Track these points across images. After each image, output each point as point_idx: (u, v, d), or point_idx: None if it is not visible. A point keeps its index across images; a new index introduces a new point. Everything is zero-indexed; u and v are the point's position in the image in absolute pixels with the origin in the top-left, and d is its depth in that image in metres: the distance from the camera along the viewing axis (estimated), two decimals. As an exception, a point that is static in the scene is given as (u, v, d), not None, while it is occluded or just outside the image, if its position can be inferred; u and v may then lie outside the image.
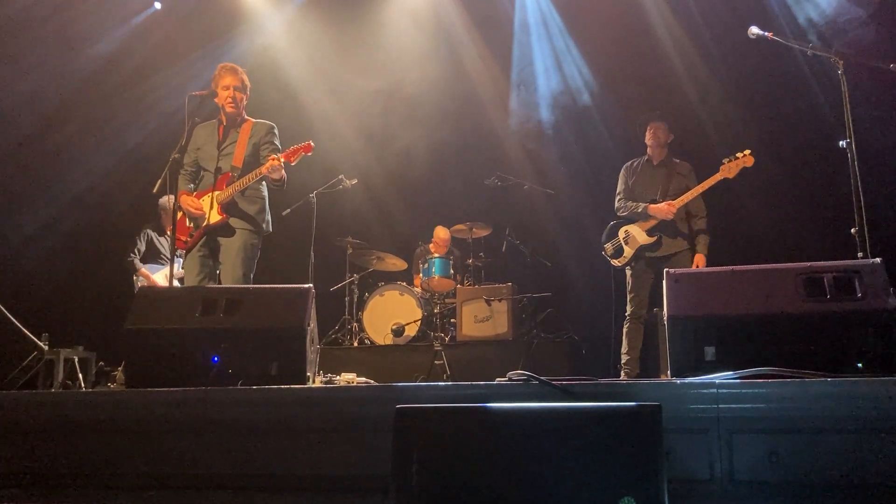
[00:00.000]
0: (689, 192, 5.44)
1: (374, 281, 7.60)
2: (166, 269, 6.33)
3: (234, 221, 4.60)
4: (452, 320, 7.07)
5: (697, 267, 5.43)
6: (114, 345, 5.69)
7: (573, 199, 7.71)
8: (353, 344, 7.17)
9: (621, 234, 5.65)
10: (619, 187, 5.83)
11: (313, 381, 3.43)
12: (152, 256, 6.77)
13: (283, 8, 8.46)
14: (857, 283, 2.81)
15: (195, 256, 4.63)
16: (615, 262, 5.68)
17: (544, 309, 7.09)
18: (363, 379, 4.87)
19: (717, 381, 2.41)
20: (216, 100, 4.69)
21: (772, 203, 6.84)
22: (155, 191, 4.51)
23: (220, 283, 4.78)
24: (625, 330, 5.59)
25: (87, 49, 7.54)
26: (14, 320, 5.36)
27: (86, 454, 2.77)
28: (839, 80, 4.27)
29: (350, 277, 7.53)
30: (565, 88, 8.10)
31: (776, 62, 6.55)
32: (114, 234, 7.30)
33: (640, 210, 5.57)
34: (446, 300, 7.17)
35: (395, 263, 7.79)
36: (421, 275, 7.38)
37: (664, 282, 3.07)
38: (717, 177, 5.35)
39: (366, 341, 7.17)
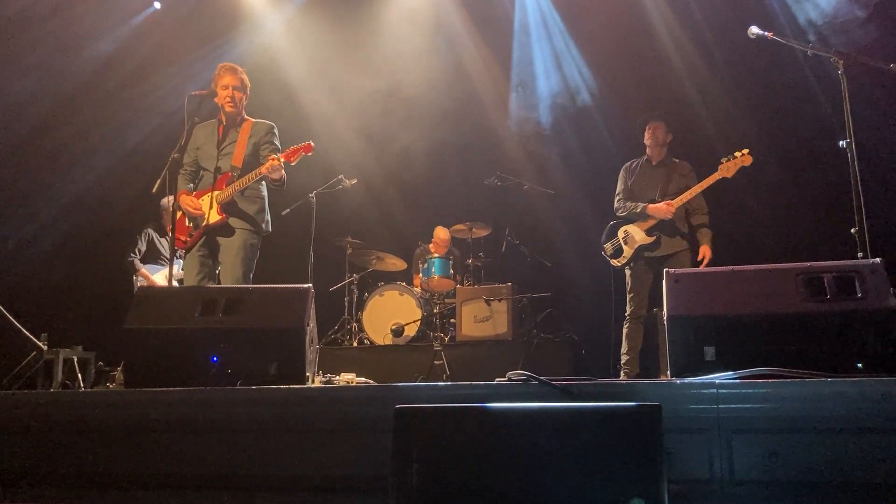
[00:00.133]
0: (688, 192, 5.45)
1: (374, 281, 7.60)
2: (166, 270, 6.33)
3: (233, 221, 4.60)
4: (452, 320, 7.07)
5: (705, 258, 5.44)
6: (113, 345, 5.68)
7: (573, 199, 7.71)
8: (352, 344, 7.17)
9: (620, 234, 5.65)
10: (619, 188, 5.83)
11: (312, 381, 3.43)
12: (153, 257, 6.77)
13: (283, 8, 8.46)
14: (857, 283, 2.81)
15: (195, 256, 4.63)
16: (615, 263, 5.69)
17: (544, 309, 7.08)
18: (362, 379, 4.86)
19: (716, 381, 2.41)
20: (216, 99, 4.69)
21: (772, 203, 6.84)
22: (154, 191, 4.51)
23: (219, 282, 4.78)
24: (624, 330, 5.59)
25: (86, 49, 7.54)
26: (13, 320, 5.35)
27: (85, 454, 2.76)
28: (839, 79, 4.27)
29: (349, 277, 7.53)
30: (565, 88, 8.10)
31: (776, 62, 6.55)
32: (113, 235, 7.30)
33: (638, 210, 5.58)
34: (446, 300, 7.17)
35: (395, 263, 7.79)
36: (420, 275, 7.37)
37: (664, 282, 3.07)
38: (716, 176, 5.36)
39: (365, 341, 7.16)
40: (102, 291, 7.20)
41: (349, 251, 7.61)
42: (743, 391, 2.36)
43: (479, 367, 6.35)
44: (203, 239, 4.63)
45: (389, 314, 7.10)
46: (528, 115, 8.28)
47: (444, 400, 2.56)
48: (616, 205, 5.79)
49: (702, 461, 2.30)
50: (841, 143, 4.18)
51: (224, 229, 4.60)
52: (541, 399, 2.41)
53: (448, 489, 2.15)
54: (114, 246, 6.95)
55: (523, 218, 7.71)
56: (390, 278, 7.62)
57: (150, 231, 6.82)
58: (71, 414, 2.84)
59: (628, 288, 5.63)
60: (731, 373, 2.59)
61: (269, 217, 4.79)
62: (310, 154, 4.68)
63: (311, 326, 3.37)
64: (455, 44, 8.30)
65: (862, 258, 3.87)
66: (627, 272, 5.64)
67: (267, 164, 4.49)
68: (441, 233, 7.79)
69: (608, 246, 5.71)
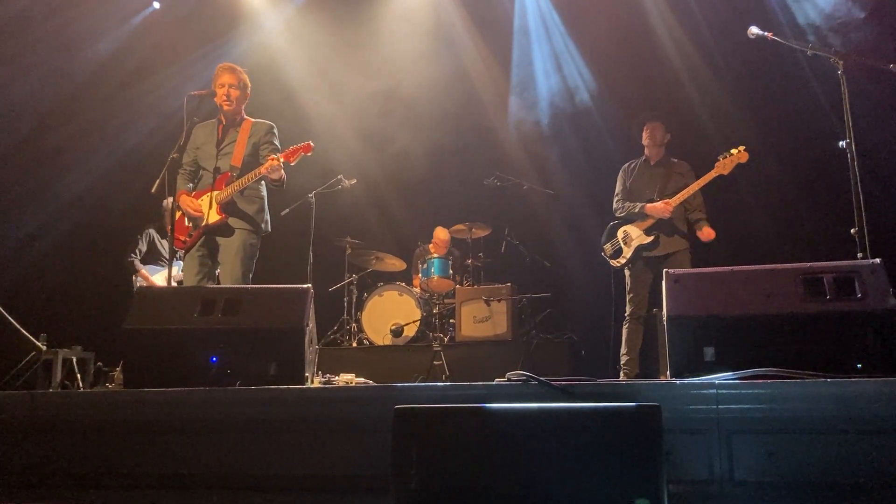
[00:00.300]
0: (686, 190, 5.45)
1: (373, 281, 7.60)
2: (166, 271, 6.33)
3: (233, 221, 4.60)
4: (451, 321, 7.06)
5: (709, 238, 5.42)
6: (112, 345, 5.67)
7: (573, 199, 7.71)
8: (351, 344, 7.16)
9: (620, 234, 5.65)
10: (617, 188, 5.84)
11: (312, 382, 3.42)
12: (153, 257, 6.77)
13: (283, 8, 8.45)
14: (856, 284, 2.81)
15: (194, 256, 4.63)
16: (614, 263, 5.69)
17: (544, 309, 7.08)
18: (362, 379, 4.86)
19: (716, 382, 2.41)
20: (215, 99, 4.69)
21: (772, 203, 6.84)
22: (153, 191, 4.50)
23: (219, 283, 4.78)
24: (624, 330, 5.59)
25: (85, 49, 7.54)
26: (12, 320, 5.35)
27: (84, 454, 2.76)
28: (839, 80, 4.27)
29: (349, 278, 7.53)
30: (565, 88, 8.09)
31: (776, 62, 6.55)
32: (112, 235, 7.30)
33: (637, 210, 5.58)
34: (445, 300, 7.16)
35: (394, 264, 7.78)
36: (420, 275, 7.37)
37: (663, 282, 3.07)
38: (713, 174, 5.37)
39: (364, 342, 7.16)
40: (102, 291, 7.20)
41: (348, 251, 7.60)
42: (743, 392, 2.35)
43: (478, 367, 6.35)
44: (202, 239, 4.62)
45: (389, 314, 7.10)
46: (527, 115, 8.27)
47: (444, 400, 2.55)
48: (615, 205, 5.80)
49: (701, 462, 2.30)
50: (841, 143, 4.18)
51: (223, 229, 4.59)
52: (540, 399, 2.41)
53: (447, 489, 2.15)
54: (113, 246, 6.94)
55: (523, 218, 7.71)
56: (390, 279, 7.62)
57: (152, 232, 6.81)
58: (70, 414, 2.84)
59: (628, 288, 5.63)
60: (731, 373, 2.58)
61: (268, 217, 4.78)
62: (309, 154, 4.67)
63: (311, 327, 3.37)
64: (455, 44, 8.30)
65: (862, 258, 3.88)
66: (627, 272, 5.64)
67: (266, 164, 4.49)
68: (441, 233, 7.79)
69: (608, 247, 5.71)
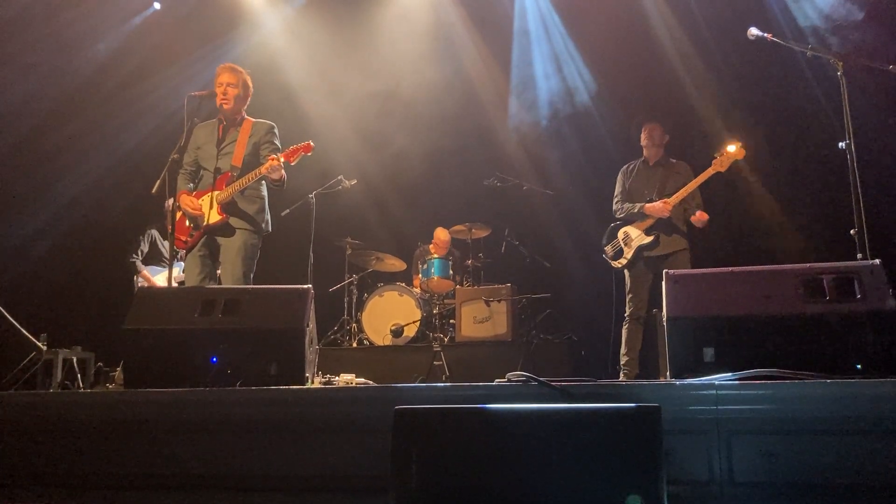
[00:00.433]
0: (684, 189, 5.46)
1: (374, 281, 7.60)
2: (167, 272, 6.34)
3: (233, 221, 4.60)
4: (452, 321, 7.07)
5: (702, 220, 5.39)
6: (113, 345, 5.68)
7: (572, 199, 7.71)
8: (352, 345, 7.16)
9: (620, 235, 5.66)
10: (617, 190, 5.86)
11: (312, 382, 3.42)
12: (155, 258, 6.77)
13: (283, 9, 8.45)
14: (856, 285, 2.81)
15: (195, 256, 4.63)
16: (616, 264, 5.70)
17: (543, 310, 7.08)
18: (362, 380, 4.87)
19: (716, 383, 2.41)
20: (216, 99, 4.69)
21: (772, 204, 6.85)
22: (154, 191, 4.49)
23: (220, 283, 4.78)
24: (624, 331, 5.60)
25: (86, 50, 7.54)
26: (12, 320, 5.35)
27: (84, 454, 2.76)
28: (839, 81, 4.28)
29: (349, 278, 7.53)
30: (565, 89, 8.10)
31: (776, 63, 6.55)
32: (112, 235, 7.30)
33: (636, 210, 5.60)
34: (445, 301, 7.17)
35: (395, 264, 7.79)
36: (420, 275, 7.37)
37: (663, 283, 3.08)
38: (710, 171, 5.39)
39: (365, 342, 7.16)
40: (102, 291, 7.21)
41: (349, 252, 7.60)
42: (742, 392, 2.36)
43: (478, 367, 6.35)
44: (203, 239, 4.62)
45: (389, 315, 7.10)
46: (527, 115, 8.27)
47: (444, 401, 2.55)
48: (614, 207, 5.81)
49: (701, 462, 2.30)
50: (840, 144, 4.18)
51: (224, 229, 4.59)
52: (540, 400, 2.41)
53: (447, 490, 2.15)
54: (113, 246, 6.94)
55: (523, 219, 7.71)
56: (390, 279, 7.62)
57: (153, 232, 6.81)
58: (70, 414, 2.84)
59: (627, 289, 5.64)
60: (731, 374, 2.59)
61: (269, 217, 4.78)
62: (309, 154, 4.67)
63: (311, 327, 3.37)
64: (454, 44, 8.30)
65: (861, 259, 3.88)
66: (626, 273, 5.65)
67: (266, 164, 4.49)
68: (441, 234, 7.79)
69: (609, 248, 5.73)
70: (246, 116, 4.80)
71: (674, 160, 5.77)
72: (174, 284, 5.09)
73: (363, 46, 8.26)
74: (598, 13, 7.60)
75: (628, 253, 5.58)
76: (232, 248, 4.57)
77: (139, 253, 6.69)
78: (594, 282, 6.84)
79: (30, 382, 5.45)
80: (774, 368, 2.57)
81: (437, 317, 7.07)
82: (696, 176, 5.56)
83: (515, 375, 2.58)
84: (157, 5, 8.02)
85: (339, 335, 7.32)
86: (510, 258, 7.40)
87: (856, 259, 3.92)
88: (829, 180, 5.87)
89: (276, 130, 4.83)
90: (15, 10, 7.01)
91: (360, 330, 7.21)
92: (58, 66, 7.37)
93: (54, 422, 2.83)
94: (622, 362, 5.56)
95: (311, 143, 4.68)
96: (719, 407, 2.33)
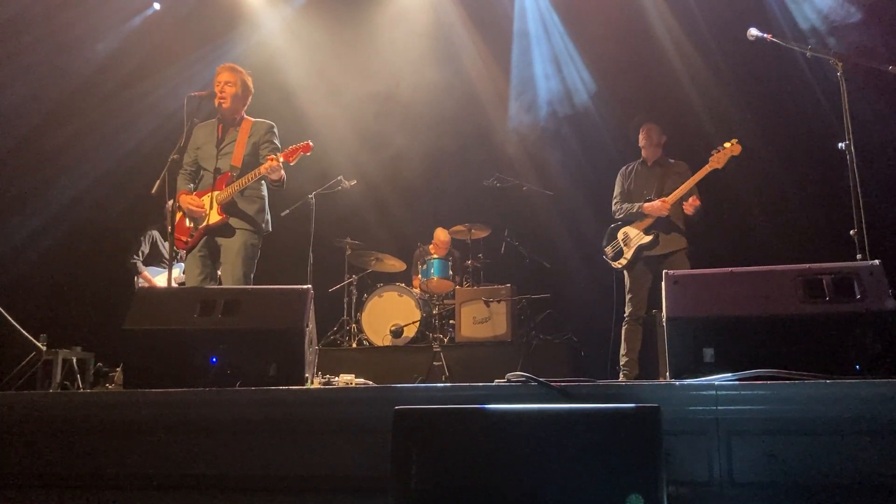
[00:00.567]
0: (682, 187, 5.46)
1: (373, 282, 7.60)
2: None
3: (233, 221, 4.60)
4: (451, 321, 7.07)
5: (694, 205, 5.37)
6: (112, 345, 5.69)
7: (572, 200, 7.71)
8: (351, 345, 7.16)
9: (620, 236, 5.66)
10: (616, 191, 5.87)
11: (312, 383, 3.42)
12: (155, 259, 6.77)
13: (282, 9, 8.46)
14: (855, 285, 2.81)
15: (195, 257, 4.63)
16: (616, 265, 5.70)
17: (543, 310, 7.08)
18: (362, 380, 4.88)
19: (716, 383, 2.40)
20: (214, 99, 4.69)
21: (771, 204, 6.85)
22: (154, 192, 4.49)
23: (220, 283, 4.78)
24: (623, 331, 5.60)
25: (86, 49, 7.54)
26: (12, 321, 5.35)
27: (84, 455, 2.76)
28: (838, 81, 4.28)
29: (349, 278, 7.52)
30: (565, 89, 8.10)
31: (776, 64, 6.55)
32: (112, 235, 7.31)
33: (635, 210, 5.61)
34: (445, 301, 7.17)
35: (394, 264, 7.79)
36: (420, 276, 7.38)
37: (663, 283, 3.07)
38: (707, 168, 5.39)
39: (364, 342, 7.16)
40: (102, 292, 7.20)
41: (348, 252, 7.60)
42: (742, 393, 2.35)
43: (478, 368, 6.35)
44: (204, 239, 4.63)
45: (388, 315, 7.10)
46: (527, 116, 8.28)
47: (444, 401, 2.55)
48: (614, 208, 5.81)
49: (701, 463, 2.30)
50: (840, 144, 4.18)
51: (224, 230, 4.59)
52: (540, 400, 2.41)
53: (447, 490, 2.15)
54: (113, 246, 6.95)
55: (523, 219, 7.71)
56: (389, 279, 7.62)
57: (154, 233, 6.81)
58: (70, 414, 2.83)
59: (627, 289, 5.64)
60: (731, 374, 2.58)
61: (269, 217, 4.79)
62: (308, 154, 4.68)
63: (311, 327, 3.37)
64: (454, 45, 8.31)
65: (861, 260, 3.88)
66: (626, 273, 5.65)
67: (266, 164, 4.49)
68: (441, 234, 7.79)
69: (609, 249, 5.73)
70: (245, 116, 4.81)
71: (672, 160, 5.78)
72: (174, 285, 5.09)
73: (363, 47, 8.27)
74: (598, 14, 7.60)
75: (628, 253, 5.58)
76: (232, 249, 4.57)
77: (140, 254, 6.69)
78: (594, 282, 6.84)
79: (29, 383, 5.45)
80: (774, 369, 2.57)
81: (437, 317, 7.07)
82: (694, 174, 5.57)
83: (515, 376, 2.58)
84: (156, 5, 8.02)
85: (338, 335, 7.32)
86: (510, 258, 7.40)
87: (855, 259, 3.92)
88: (828, 180, 5.87)
89: (275, 130, 4.83)
90: (14, 10, 7.01)
91: (360, 330, 7.21)
92: (57, 66, 7.37)
93: (54, 422, 2.82)
94: (622, 363, 5.56)
95: (311, 143, 4.68)
96: (719, 407, 2.33)
